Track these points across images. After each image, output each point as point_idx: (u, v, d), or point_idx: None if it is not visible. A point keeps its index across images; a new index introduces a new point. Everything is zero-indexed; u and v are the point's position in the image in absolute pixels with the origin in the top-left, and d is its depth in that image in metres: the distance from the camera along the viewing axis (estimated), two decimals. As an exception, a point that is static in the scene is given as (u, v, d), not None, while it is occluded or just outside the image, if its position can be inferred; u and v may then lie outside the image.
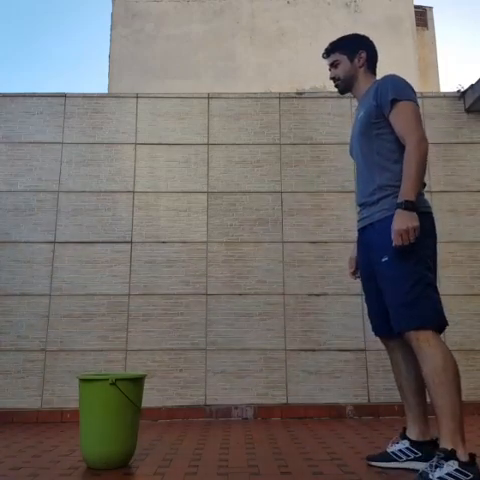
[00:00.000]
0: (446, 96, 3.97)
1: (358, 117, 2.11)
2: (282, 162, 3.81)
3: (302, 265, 3.64)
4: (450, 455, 1.66)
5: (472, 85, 3.79)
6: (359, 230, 2.14)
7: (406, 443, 2.02)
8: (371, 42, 2.21)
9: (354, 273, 2.27)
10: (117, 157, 3.81)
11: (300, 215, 3.71)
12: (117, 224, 3.69)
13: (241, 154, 3.83)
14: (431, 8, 13.23)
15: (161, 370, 3.43)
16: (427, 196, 3.79)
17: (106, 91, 9.60)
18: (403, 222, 1.77)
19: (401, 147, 1.95)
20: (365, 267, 2.09)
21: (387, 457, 2.03)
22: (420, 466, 1.82)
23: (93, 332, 3.50)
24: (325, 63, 2.26)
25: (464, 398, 3.48)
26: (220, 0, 10.32)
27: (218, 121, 3.89)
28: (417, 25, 11.11)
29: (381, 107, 1.98)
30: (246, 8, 10.29)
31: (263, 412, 3.35)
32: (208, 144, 3.85)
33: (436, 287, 1.89)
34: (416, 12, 11.09)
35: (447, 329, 3.48)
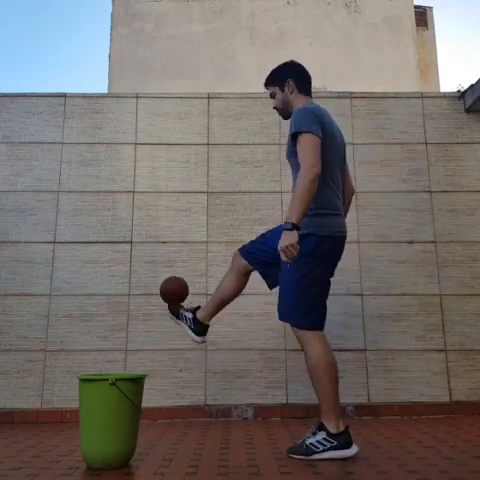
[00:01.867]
0: (446, 96, 3.97)
1: (286, 141, 2.35)
2: (282, 162, 3.80)
3: (302, 265, 3.63)
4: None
5: (472, 85, 3.80)
6: None
7: (323, 434, 2.17)
8: (297, 66, 2.41)
9: None
10: (117, 157, 3.81)
11: (300, 215, 3.71)
12: (117, 224, 3.69)
13: (241, 154, 3.83)
14: (431, 8, 13.24)
15: (161, 370, 3.43)
16: (427, 196, 3.80)
17: (106, 91, 9.61)
18: (284, 240, 2.04)
19: None
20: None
21: (307, 450, 2.17)
22: (339, 454, 2.13)
23: (93, 332, 3.50)
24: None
25: (464, 398, 3.50)
26: (220, 0, 10.32)
27: (218, 121, 3.89)
28: (417, 25, 11.12)
29: (293, 138, 2.22)
30: (246, 8, 10.30)
31: (263, 412, 3.35)
32: (208, 144, 3.85)
33: (317, 298, 2.28)
34: (416, 12, 11.09)
35: (447, 329, 3.51)
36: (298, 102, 2.34)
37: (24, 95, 3.91)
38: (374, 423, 3.13)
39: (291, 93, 2.36)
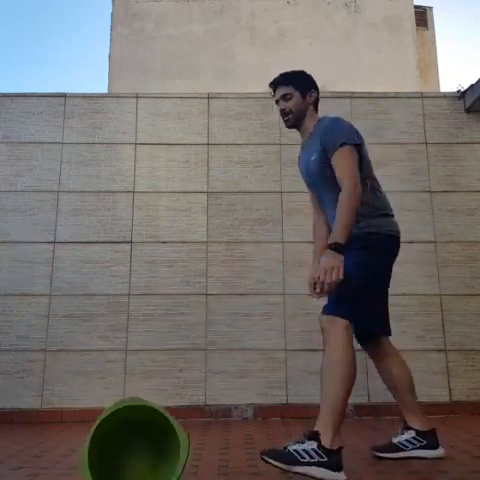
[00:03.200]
0: (446, 96, 3.97)
1: (311, 159, 2.15)
2: (282, 162, 3.81)
3: (302, 265, 3.63)
4: (312, 436, 1.77)
5: (472, 85, 3.79)
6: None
7: (412, 433, 2.10)
8: (317, 84, 2.30)
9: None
10: (117, 157, 3.81)
11: (300, 215, 3.71)
12: (117, 224, 3.69)
13: (241, 154, 3.82)
14: (431, 8, 13.25)
15: (161, 370, 3.43)
16: (427, 196, 3.81)
17: (106, 91, 9.61)
18: (328, 262, 1.85)
19: None
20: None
21: (393, 448, 2.11)
22: (427, 454, 2.04)
23: (93, 332, 3.50)
24: (273, 95, 2.30)
25: (464, 398, 3.50)
26: (220, 0, 10.32)
27: (218, 121, 3.89)
28: (417, 25, 11.12)
29: (327, 151, 2.05)
30: (246, 8, 10.30)
31: (263, 412, 3.35)
32: (208, 144, 3.85)
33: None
34: (416, 12, 11.09)
35: (447, 329, 3.51)
36: (312, 118, 2.21)
37: (24, 95, 3.91)
38: (374, 423, 3.13)
39: (311, 104, 2.22)
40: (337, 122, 2.10)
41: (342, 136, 2.02)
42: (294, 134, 3.88)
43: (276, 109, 3.90)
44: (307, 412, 3.31)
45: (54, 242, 3.64)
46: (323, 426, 1.78)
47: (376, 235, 2.03)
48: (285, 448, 1.78)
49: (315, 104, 2.24)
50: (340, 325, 1.87)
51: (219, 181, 3.78)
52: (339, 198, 1.95)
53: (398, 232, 2.16)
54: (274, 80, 2.29)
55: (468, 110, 3.88)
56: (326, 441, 1.75)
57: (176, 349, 3.49)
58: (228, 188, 3.76)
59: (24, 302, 3.54)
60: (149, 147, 3.84)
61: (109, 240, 3.66)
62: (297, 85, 2.21)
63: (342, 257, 1.85)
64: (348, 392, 1.82)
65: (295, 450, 1.74)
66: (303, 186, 3.78)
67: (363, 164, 2.08)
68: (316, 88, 2.24)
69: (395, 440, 2.12)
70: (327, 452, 1.74)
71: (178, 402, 3.37)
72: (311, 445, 1.74)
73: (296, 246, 3.65)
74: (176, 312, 3.54)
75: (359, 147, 2.06)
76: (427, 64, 12.21)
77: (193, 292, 3.59)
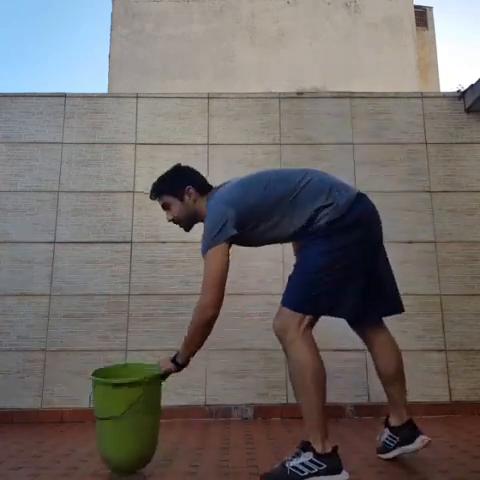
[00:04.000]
0: (446, 96, 3.97)
1: None
2: (282, 162, 3.81)
3: (302, 265, 3.63)
4: (306, 447, 1.77)
5: (472, 85, 3.79)
6: None
7: (387, 431, 2.08)
8: (191, 170, 2.19)
9: None
10: (117, 157, 3.81)
11: (300, 215, 3.70)
12: (117, 224, 3.69)
13: (241, 154, 3.82)
14: (431, 8, 13.25)
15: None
16: (427, 196, 3.80)
17: (106, 91, 9.61)
18: (162, 362, 2.12)
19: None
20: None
21: (383, 448, 2.10)
22: (404, 449, 1.99)
23: (93, 332, 3.50)
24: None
25: (464, 398, 3.50)
26: (220, 0, 10.32)
27: (218, 121, 3.89)
28: (417, 25, 11.11)
29: None
30: (246, 8, 10.29)
31: (263, 412, 3.35)
32: (208, 144, 3.85)
33: None
34: (416, 12, 11.09)
35: (447, 329, 3.51)
36: (203, 207, 2.09)
37: (24, 95, 3.91)
38: (374, 423, 3.12)
39: (194, 201, 2.12)
40: (205, 222, 1.99)
41: (204, 243, 1.92)
42: (294, 134, 3.90)
43: (276, 109, 3.92)
44: (307, 412, 3.31)
45: (54, 242, 3.64)
46: (312, 434, 1.78)
47: (321, 226, 1.87)
48: (284, 462, 1.78)
49: (200, 193, 2.11)
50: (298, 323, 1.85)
51: (219, 181, 3.76)
52: (193, 312, 1.93)
53: (341, 211, 1.88)
54: (150, 192, 2.18)
55: (468, 110, 3.88)
56: (319, 447, 1.75)
57: (176, 349, 3.48)
58: (228, 188, 3.76)
59: (24, 302, 3.54)
60: (149, 147, 3.84)
61: (109, 240, 3.66)
62: (169, 191, 2.11)
63: (171, 366, 2.10)
64: (323, 398, 1.79)
65: (293, 467, 1.75)
66: (303, 186, 3.79)
67: (273, 209, 1.93)
68: (191, 181, 2.11)
69: (382, 438, 2.10)
70: (324, 458, 1.74)
71: (178, 402, 3.37)
72: (307, 456, 1.74)
73: (296, 246, 3.65)
74: (176, 312, 3.54)
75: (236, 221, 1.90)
76: (427, 64, 12.21)
77: (193, 292, 3.58)
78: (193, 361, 3.50)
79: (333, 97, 3.94)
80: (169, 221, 2.18)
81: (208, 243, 1.90)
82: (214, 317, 1.90)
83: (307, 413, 1.79)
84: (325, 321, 3.19)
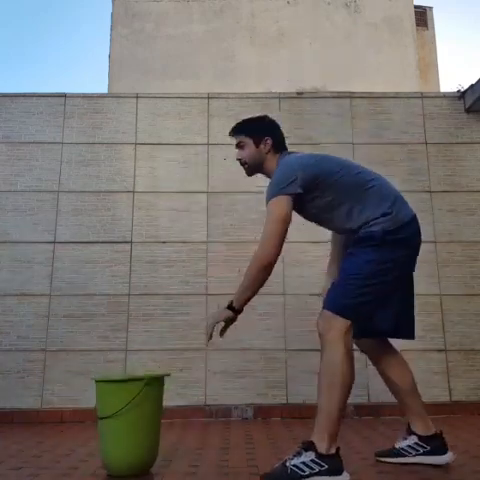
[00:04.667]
0: (446, 96, 3.97)
1: None
2: (282, 162, 3.80)
3: (302, 265, 3.64)
4: (309, 447, 1.77)
5: (472, 85, 3.80)
6: None
7: (414, 438, 2.05)
8: (276, 125, 2.21)
9: None
10: (117, 157, 3.81)
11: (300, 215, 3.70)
12: (117, 224, 3.69)
13: (241, 154, 3.82)
14: (431, 8, 13.25)
15: (161, 370, 3.43)
16: (427, 196, 3.80)
17: (106, 91, 9.60)
18: (213, 314, 2.04)
19: (332, 207, 2.00)
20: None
21: (394, 453, 2.07)
22: (433, 460, 1.97)
23: (93, 332, 3.50)
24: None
25: (464, 398, 3.50)
26: (220, 0, 10.32)
27: (218, 121, 3.89)
28: (417, 25, 11.11)
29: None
30: (246, 8, 10.29)
31: (263, 412, 3.35)
32: (208, 144, 3.85)
33: None
34: (416, 12, 11.09)
35: (447, 329, 3.51)
36: (272, 162, 2.13)
37: (24, 95, 3.91)
38: (374, 423, 3.13)
39: (267, 152, 2.14)
40: (277, 173, 2.02)
41: (270, 191, 1.96)
42: (294, 134, 3.89)
43: (276, 109, 3.92)
44: (307, 412, 3.31)
45: (54, 242, 3.64)
46: (319, 435, 1.78)
47: (376, 233, 1.91)
48: (284, 462, 1.79)
49: (275, 150, 2.14)
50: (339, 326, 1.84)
51: (219, 181, 3.78)
52: (252, 258, 1.93)
53: (397, 224, 1.93)
54: (232, 128, 2.24)
55: (468, 110, 3.88)
56: (323, 449, 1.75)
57: (176, 349, 3.49)
58: (228, 188, 3.76)
59: (24, 302, 3.54)
60: (149, 147, 3.84)
61: (109, 240, 3.66)
62: (249, 133, 2.16)
63: (228, 313, 1.96)
64: (344, 402, 1.81)
65: (294, 465, 1.75)
66: (303, 186, 3.80)
67: (338, 190, 1.98)
68: (272, 134, 2.15)
69: (397, 445, 2.07)
70: (325, 459, 1.74)
71: (178, 402, 3.37)
72: (309, 456, 1.75)
73: (296, 246, 3.65)
74: (176, 312, 3.54)
75: (316, 182, 1.96)
76: (427, 64, 12.21)
77: (193, 292, 3.59)
78: (193, 361, 3.52)
79: (333, 97, 3.94)
80: (237, 160, 2.23)
81: (275, 191, 1.94)
82: (271, 264, 1.89)
83: (324, 412, 1.79)
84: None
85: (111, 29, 10.26)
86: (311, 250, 3.65)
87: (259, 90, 7.40)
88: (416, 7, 11.24)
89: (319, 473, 1.73)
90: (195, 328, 3.51)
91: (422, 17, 12.77)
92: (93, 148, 3.82)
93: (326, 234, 3.77)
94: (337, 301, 1.89)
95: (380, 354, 2.14)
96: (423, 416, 2.07)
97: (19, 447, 2.51)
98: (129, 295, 3.57)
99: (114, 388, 2.00)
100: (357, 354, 3.14)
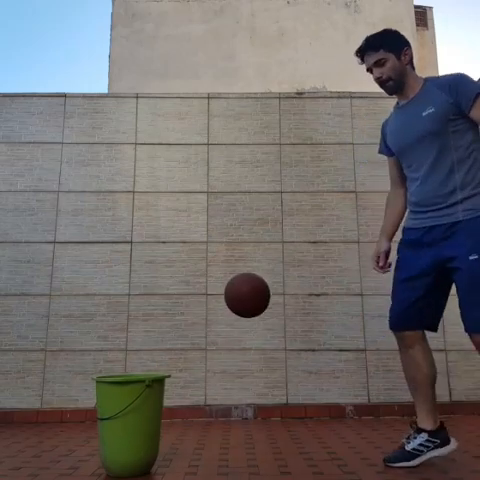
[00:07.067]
0: (446, 96, 3.97)
1: (423, 114, 2.00)
2: (282, 162, 3.81)
3: (302, 265, 3.64)
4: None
5: (472, 85, 3.79)
6: (418, 229, 2.09)
7: (424, 435, 2.04)
8: (406, 39, 2.13)
9: (383, 267, 2.26)
10: (117, 157, 3.81)
11: (300, 215, 3.71)
12: (117, 224, 3.69)
13: (241, 154, 3.82)
14: (431, 8, 13.24)
15: (161, 370, 3.43)
16: (427, 196, 3.79)
17: (106, 91, 9.61)
18: None
19: (474, 141, 1.98)
20: (421, 264, 2.06)
21: (409, 455, 2.03)
22: (443, 451, 2.06)
23: (93, 332, 3.50)
24: (357, 62, 2.17)
25: (464, 398, 3.50)
26: (220, 0, 10.32)
27: (218, 121, 3.89)
28: (417, 25, 11.11)
29: (460, 103, 1.94)
30: (246, 8, 10.29)
31: (263, 412, 3.35)
32: (208, 144, 3.85)
33: None
34: (416, 12, 11.09)
35: (447, 329, 3.50)
36: (414, 77, 2.07)
37: (24, 95, 3.91)
38: (374, 423, 3.13)
39: (407, 64, 2.05)
40: (465, 75, 1.98)
41: (473, 85, 1.94)
42: (294, 134, 3.90)
43: (276, 109, 3.92)
44: (307, 412, 3.32)
45: (54, 242, 3.64)
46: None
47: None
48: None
49: (411, 61, 2.07)
50: None
51: (219, 181, 3.78)
52: None
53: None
54: (360, 47, 2.09)
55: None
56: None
57: (176, 349, 3.49)
58: (228, 188, 3.76)
59: (24, 302, 3.54)
60: (149, 147, 3.84)
61: (109, 240, 3.66)
62: (389, 47, 2.03)
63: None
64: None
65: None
66: (303, 186, 3.80)
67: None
68: (408, 44, 2.07)
69: (409, 447, 2.03)
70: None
71: (178, 402, 3.37)
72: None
73: (296, 246, 3.65)
74: (176, 312, 3.54)
75: None
76: (427, 64, 12.20)
77: (193, 292, 3.59)
78: (193, 361, 3.52)
79: (333, 97, 3.94)
80: (376, 79, 2.11)
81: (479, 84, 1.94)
82: None
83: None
84: (325, 321, 3.23)
85: (111, 29, 10.26)
86: (311, 250, 3.66)
87: (259, 90, 7.39)
88: (416, 7, 11.24)
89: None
90: (195, 328, 3.51)
91: (422, 17, 12.77)
92: (93, 148, 3.82)
93: (326, 234, 3.77)
94: None
95: (417, 339, 2.25)
96: (434, 411, 2.09)
97: (19, 447, 2.51)
98: (129, 295, 3.57)
99: (115, 390, 2.00)
100: (357, 354, 3.13)
